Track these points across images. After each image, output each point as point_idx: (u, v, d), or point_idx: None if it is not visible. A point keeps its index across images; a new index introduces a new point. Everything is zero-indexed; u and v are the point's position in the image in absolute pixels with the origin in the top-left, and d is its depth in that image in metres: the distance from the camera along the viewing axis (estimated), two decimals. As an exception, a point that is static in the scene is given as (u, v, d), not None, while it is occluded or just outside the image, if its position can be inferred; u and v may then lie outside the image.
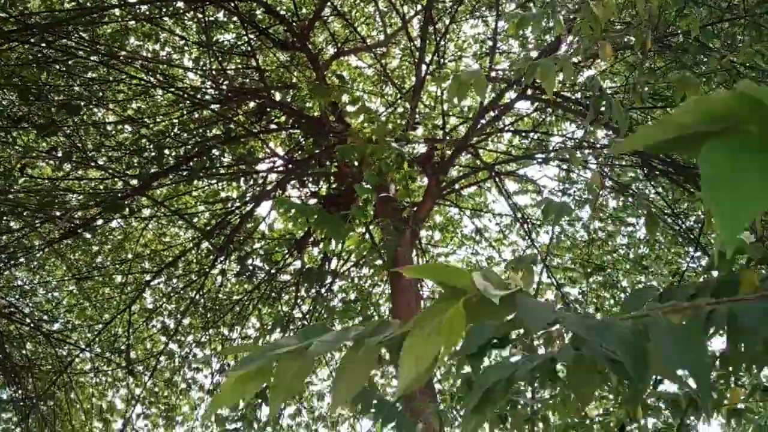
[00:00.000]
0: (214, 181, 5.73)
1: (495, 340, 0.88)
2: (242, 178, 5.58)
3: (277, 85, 5.38)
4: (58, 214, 4.95)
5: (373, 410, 2.17)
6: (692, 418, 1.82)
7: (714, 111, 0.45)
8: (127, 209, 5.15)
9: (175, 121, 5.40)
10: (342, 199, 5.31)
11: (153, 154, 5.23)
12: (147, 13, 5.15)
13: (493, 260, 6.48)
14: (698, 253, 4.71)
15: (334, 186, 5.68)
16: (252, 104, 5.39)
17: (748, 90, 0.43)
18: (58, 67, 4.88)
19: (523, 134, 5.84)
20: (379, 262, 5.18)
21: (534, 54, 4.37)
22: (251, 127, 5.34)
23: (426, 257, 6.40)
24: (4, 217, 4.92)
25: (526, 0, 4.57)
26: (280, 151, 5.79)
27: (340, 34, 5.78)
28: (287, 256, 5.79)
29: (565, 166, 5.22)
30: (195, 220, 5.68)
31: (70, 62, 4.87)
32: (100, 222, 5.59)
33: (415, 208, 4.76)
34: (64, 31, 4.60)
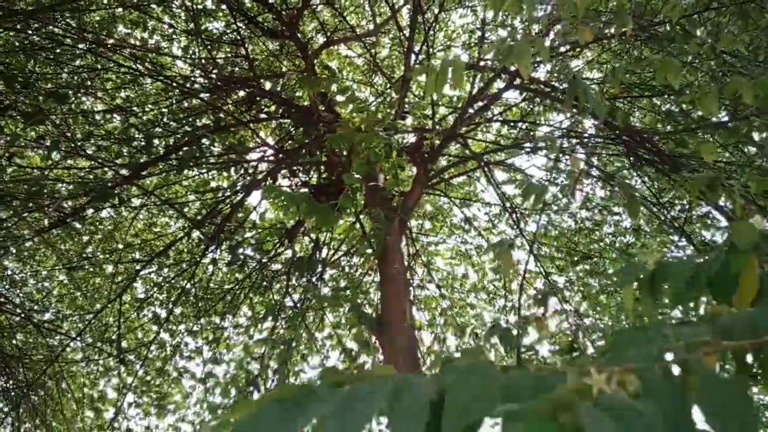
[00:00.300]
0: (204, 171, 5.73)
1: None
2: (232, 168, 5.58)
3: (267, 74, 5.38)
4: (47, 203, 4.94)
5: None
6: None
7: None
8: (117, 199, 5.15)
9: (165, 110, 5.39)
10: (332, 188, 5.34)
11: (142, 143, 5.21)
12: (135, 0, 5.12)
13: (481, 249, 6.54)
14: (683, 242, 4.78)
15: (324, 176, 5.71)
16: (241, 93, 5.39)
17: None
18: (45, 54, 4.85)
19: (512, 124, 5.88)
20: (369, 251, 5.22)
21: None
22: (241, 117, 5.34)
23: (416, 246, 6.45)
24: (-7, 207, 4.91)
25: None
26: (270, 140, 5.80)
27: (330, 23, 5.77)
28: (278, 245, 5.82)
29: (552, 156, 5.26)
30: (185, 209, 5.69)
31: (57, 50, 4.84)
32: (89, 211, 5.58)
33: (404, 198, 4.79)
34: (50, 18, 4.57)
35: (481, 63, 4.92)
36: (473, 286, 6.71)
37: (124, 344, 6.25)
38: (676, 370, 0.63)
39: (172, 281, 5.96)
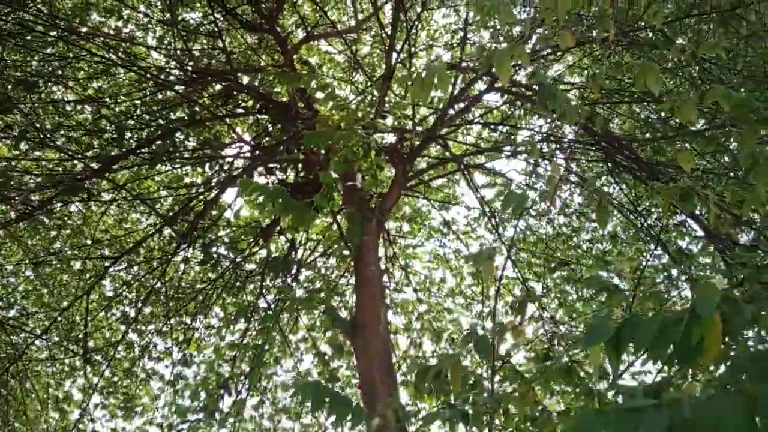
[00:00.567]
0: (177, 166, 5.59)
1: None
2: (207, 163, 5.46)
3: (245, 68, 5.27)
4: (13, 195, 4.77)
5: (328, 406, 2.13)
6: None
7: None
8: (86, 192, 4.99)
9: (138, 102, 5.24)
10: (309, 187, 5.24)
11: (114, 135, 5.07)
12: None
13: (460, 253, 6.49)
14: (659, 250, 4.77)
15: (301, 174, 5.60)
16: (218, 87, 5.26)
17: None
18: (14, 41, 4.68)
19: (492, 127, 5.84)
20: (346, 252, 5.12)
21: (504, 45, 4.35)
22: (217, 111, 5.21)
23: (394, 248, 6.37)
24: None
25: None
26: (246, 136, 5.68)
27: (311, 17, 5.67)
28: (253, 244, 5.70)
29: (531, 160, 5.23)
30: (157, 205, 5.54)
31: (27, 37, 4.68)
32: (57, 205, 5.43)
33: (381, 198, 4.72)
34: (21, 4, 4.41)
35: (463, 64, 4.87)
36: (451, 291, 6.66)
37: (90, 344, 6.08)
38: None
39: (142, 279, 5.80)
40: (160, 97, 5.27)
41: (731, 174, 4.09)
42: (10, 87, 4.72)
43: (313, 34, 5.38)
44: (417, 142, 4.97)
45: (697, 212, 4.11)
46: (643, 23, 4.01)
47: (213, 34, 5.09)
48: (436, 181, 6.18)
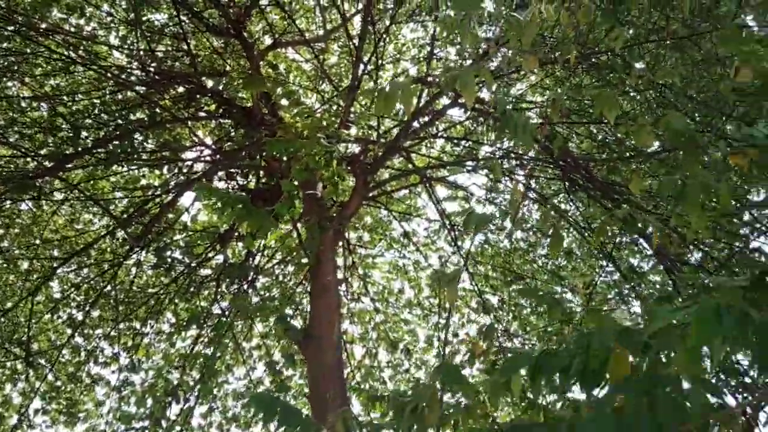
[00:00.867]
0: (134, 167, 5.47)
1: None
2: (166, 166, 5.35)
3: (209, 71, 5.20)
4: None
5: (276, 416, 2.10)
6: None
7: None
8: (38, 190, 4.84)
9: (96, 101, 5.11)
10: (270, 193, 5.20)
11: (69, 134, 4.93)
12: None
13: (419, 265, 6.53)
14: (611, 267, 4.90)
15: (263, 180, 5.55)
16: (180, 89, 5.18)
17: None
18: (-33, 34, 4.53)
19: (455, 141, 5.92)
20: (304, 260, 5.09)
21: (469, 62, 4.44)
22: (178, 113, 5.13)
23: (353, 258, 6.36)
24: None
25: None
26: (208, 140, 5.60)
27: (279, 25, 5.65)
28: (209, 249, 5.60)
29: (492, 176, 5.32)
30: (111, 206, 5.39)
31: (-19, 30, 4.53)
32: (7, 203, 5.25)
33: (341, 207, 4.72)
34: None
35: (429, 78, 4.93)
36: (408, 302, 6.68)
37: (34, 346, 5.86)
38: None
39: (92, 282, 5.63)
40: (120, 97, 5.15)
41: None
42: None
43: (280, 41, 5.36)
44: (380, 153, 5.00)
45: (649, 231, 4.24)
46: (603, 47, 4.14)
47: (178, 37, 5.02)
48: (398, 192, 6.21)
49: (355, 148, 5.28)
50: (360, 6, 5.36)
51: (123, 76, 5.03)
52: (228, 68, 5.33)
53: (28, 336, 5.31)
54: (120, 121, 5.11)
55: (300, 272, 5.62)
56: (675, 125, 2.43)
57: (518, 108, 4.84)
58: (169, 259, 5.26)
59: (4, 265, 5.99)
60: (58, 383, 5.94)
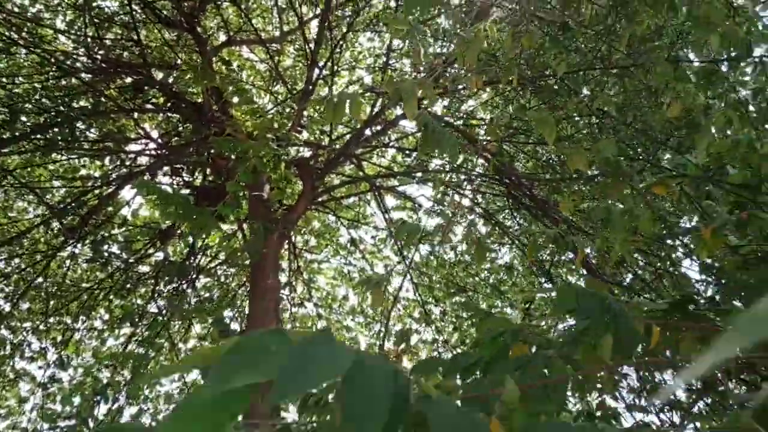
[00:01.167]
0: (75, 156, 5.28)
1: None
2: (108, 157, 5.19)
3: (159, 63, 5.08)
4: None
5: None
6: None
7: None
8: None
9: (38, 85, 4.91)
10: (215, 192, 5.11)
11: (6, 118, 4.72)
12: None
13: (365, 272, 6.53)
14: (549, 284, 5.03)
15: (209, 177, 5.45)
16: (128, 80, 5.04)
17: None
18: None
19: (406, 152, 5.97)
20: (247, 261, 5.01)
21: (414, 76, 4.49)
22: (124, 104, 4.99)
23: (299, 262, 6.32)
24: None
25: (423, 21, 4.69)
26: (154, 133, 5.46)
27: (234, 22, 5.58)
28: (149, 245, 5.46)
29: (441, 188, 5.38)
30: (47, 195, 5.19)
31: None
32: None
33: (287, 211, 4.68)
34: None
35: (382, 88, 4.96)
36: (352, 309, 6.67)
37: (-46, 338, 5.55)
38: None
39: (22, 273, 5.39)
40: (63, 83, 4.97)
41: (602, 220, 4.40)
42: None
43: (234, 39, 5.29)
44: (330, 158, 4.99)
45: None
46: (548, 71, 4.27)
47: (128, 26, 4.89)
48: (347, 199, 6.21)
49: (305, 152, 5.26)
50: (318, 11, 5.35)
51: (68, 62, 4.86)
52: (179, 61, 5.22)
53: (-52, 327, 5.04)
54: (62, 108, 4.92)
55: (242, 273, 5.54)
56: (605, 152, 2.55)
57: (452, 124, 4.93)
58: (106, 254, 5.10)
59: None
60: (-21, 377, 5.65)
